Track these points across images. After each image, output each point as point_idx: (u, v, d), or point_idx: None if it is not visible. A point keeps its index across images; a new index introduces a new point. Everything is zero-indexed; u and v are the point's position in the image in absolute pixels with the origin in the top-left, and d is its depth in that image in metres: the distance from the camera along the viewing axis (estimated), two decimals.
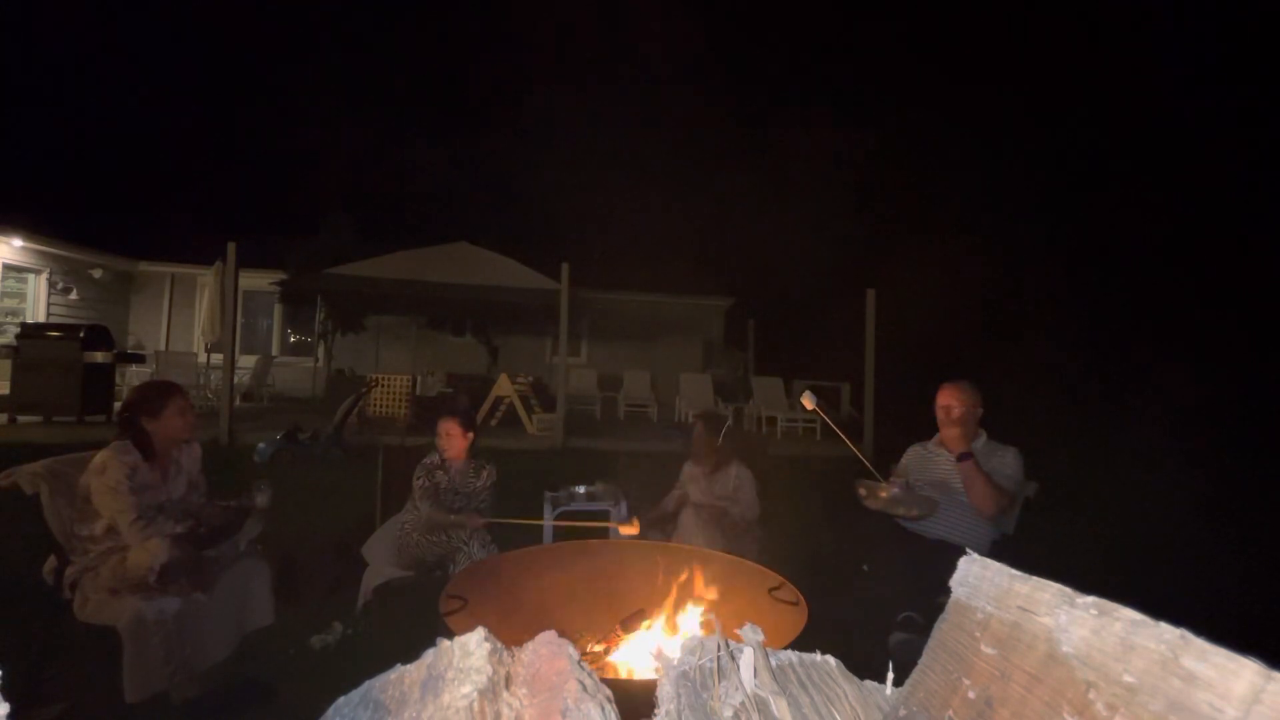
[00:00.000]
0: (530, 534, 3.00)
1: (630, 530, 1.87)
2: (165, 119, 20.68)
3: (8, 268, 9.69)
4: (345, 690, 0.52)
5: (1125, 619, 0.36)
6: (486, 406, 8.62)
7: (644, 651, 1.46)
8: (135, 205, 14.31)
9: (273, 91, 20.24)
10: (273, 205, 14.51)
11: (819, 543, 3.37)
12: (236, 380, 7.98)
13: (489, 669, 0.47)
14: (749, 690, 0.51)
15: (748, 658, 0.53)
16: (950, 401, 2.64)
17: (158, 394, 2.18)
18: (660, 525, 3.17)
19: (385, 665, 0.53)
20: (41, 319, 9.84)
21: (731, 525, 3.06)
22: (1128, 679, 0.34)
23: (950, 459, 2.61)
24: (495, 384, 8.81)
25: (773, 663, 0.54)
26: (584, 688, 0.48)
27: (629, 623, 1.53)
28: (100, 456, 2.03)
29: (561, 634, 0.55)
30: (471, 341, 12.43)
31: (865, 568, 2.65)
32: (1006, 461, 2.51)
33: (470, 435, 2.99)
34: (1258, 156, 16.30)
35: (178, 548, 2.03)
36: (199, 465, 2.32)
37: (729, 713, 0.49)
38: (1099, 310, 15.17)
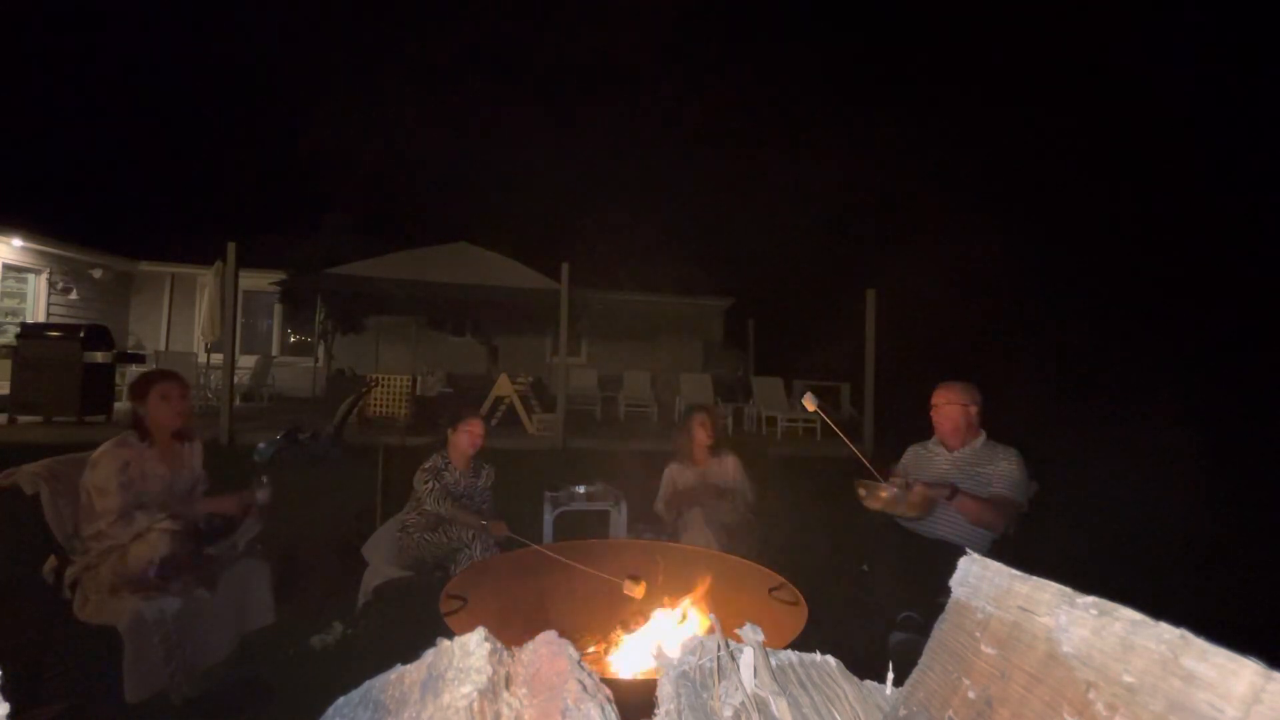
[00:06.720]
0: (530, 534, 3.00)
1: (637, 592, 1.77)
2: (165, 118, 20.66)
3: (8, 268, 9.68)
4: (345, 690, 0.53)
5: (1125, 619, 0.36)
6: (486, 406, 8.62)
7: (644, 651, 1.46)
8: (135, 205, 14.30)
9: (273, 91, 20.22)
10: (273, 205, 14.48)
11: (819, 543, 3.37)
12: (236, 380, 7.97)
13: (489, 669, 0.47)
14: (749, 690, 0.51)
15: (748, 658, 0.53)
16: (940, 401, 2.65)
17: (144, 381, 2.21)
18: (665, 525, 3.18)
19: (385, 665, 0.53)
20: (41, 319, 9.83)
21: (733, 520, 3.06)
22: (1128, 679, 0.34)
23: (949, 458, 2.62)
24: (495, 384, 8.80)
25: (773, 663, 0.54)
26: (584, 688, 0.47)
27: (628, 622, 1.53)
28: (97, 451, 2.05)
29: (561, 634, 0.55)
30: (471, 341, 12.41)
31: (865, 568, 2.65)
32: (1011, 468, 2.50)
33: None
34: (1261, 152, 16.29)
35: (178, 543, 2.03)
36: (201, 461, 2.34)
37: (729, 713, 0.49)
38: (1101, 309, 15.16)
